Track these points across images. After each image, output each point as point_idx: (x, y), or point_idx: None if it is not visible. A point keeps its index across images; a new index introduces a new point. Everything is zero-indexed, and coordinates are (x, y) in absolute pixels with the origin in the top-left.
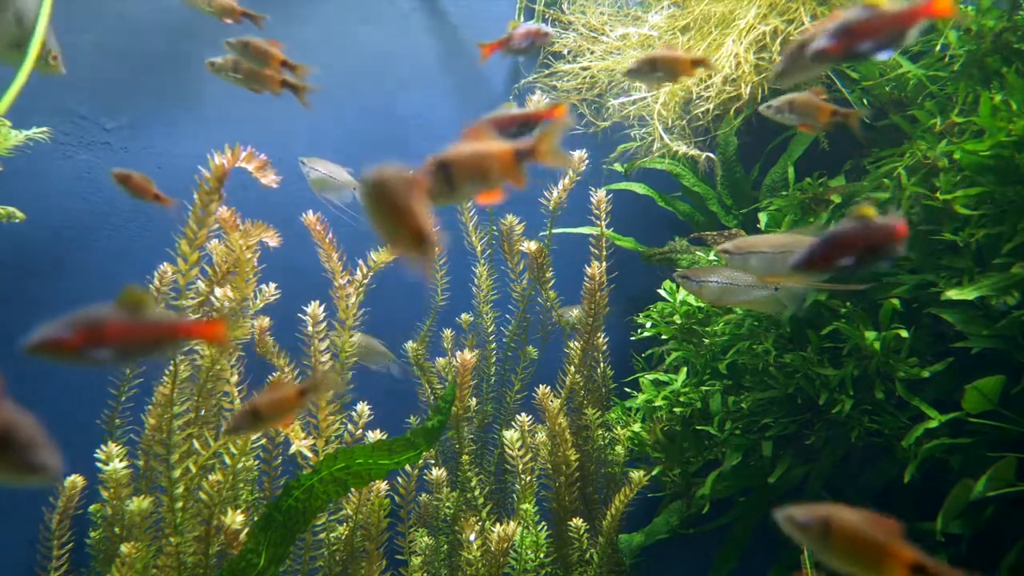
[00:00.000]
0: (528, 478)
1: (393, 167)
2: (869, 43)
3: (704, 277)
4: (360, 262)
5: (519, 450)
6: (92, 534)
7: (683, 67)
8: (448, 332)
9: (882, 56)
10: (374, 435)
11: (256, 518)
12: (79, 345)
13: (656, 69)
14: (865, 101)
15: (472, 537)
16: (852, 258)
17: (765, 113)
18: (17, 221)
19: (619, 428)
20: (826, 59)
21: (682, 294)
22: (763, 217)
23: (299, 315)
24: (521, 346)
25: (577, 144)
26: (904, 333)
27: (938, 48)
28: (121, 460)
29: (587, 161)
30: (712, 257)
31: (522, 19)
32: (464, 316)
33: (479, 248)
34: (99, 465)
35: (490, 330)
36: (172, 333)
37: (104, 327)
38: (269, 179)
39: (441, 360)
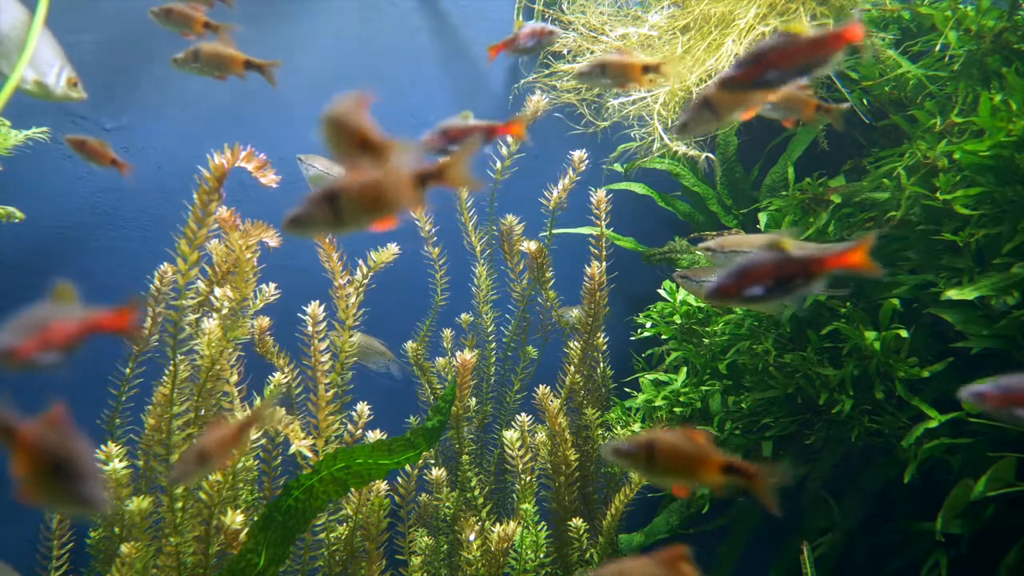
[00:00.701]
0: (528, 478)
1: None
2: (778, 73)
3: (704, 277)
4: (360, 262)
5: (519, 450)
6: (92, 534)
7: (633, 73)
8: (448, 332)
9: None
10: (374, 435)
11: (256, 518)
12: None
13: (605, 74)
14: (865, 101)
15: (472, 537)
16: (763, 289)
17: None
18: (17, 221)
19: (619, 428)
20: (739, 87)
21: (682, 294)
22: (763, 217)
23: (299, 315)
24: (521, 346)
25: (577, 144)
26: (904, 333)
27: (938, 48)
28: (121, 460)
29: (587, 161)
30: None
31: (521, 18)
32: (464, 316)
33: (479, 248)
34: (99, 465)
35: (490, 330)
36: (79, 330)
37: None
38: (268, 179)
39: (441, 360)
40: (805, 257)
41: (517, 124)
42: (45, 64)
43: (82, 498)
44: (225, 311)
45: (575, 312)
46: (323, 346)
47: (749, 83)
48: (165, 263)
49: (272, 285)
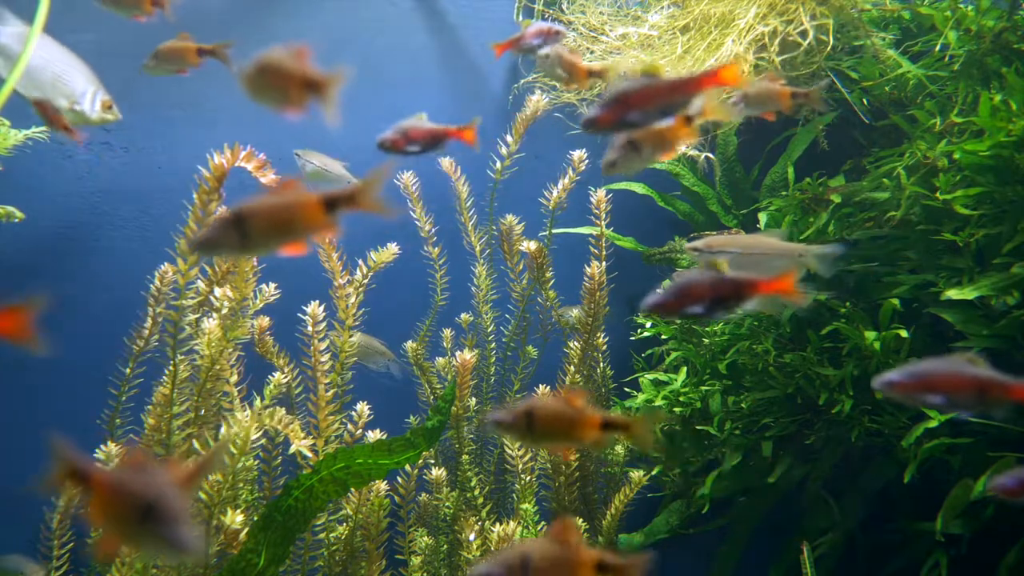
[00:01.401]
0: (528, 478)
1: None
2: (642, 113)
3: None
4: (360, 262)
5: (519, 450)
6: (92, 534)
7: (577, 73)
8: (448, 332)
9: (666, 121)
10: (374, 435)
11: (256, 518)
12: None
13: (559, 64)
14: (865, 101)
15: (472, 537)
16: (700, 308)
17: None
18: (17, 221)
19: None
20: (599, 129)
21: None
22: (763, 217)
23: (299, 315)
24: (521, 346)
25: (577, 144)
26: (904, 333)
27: (938, 48)
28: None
29: (587, 161)
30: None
31: (521, 18)
32: (464, 316)
33: (479, 248)
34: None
35: (490, 330)
36: None
37: None
38: (268, 178)
39: (441, 360)
40: (740, 280)
41: (470, 130)
42: (78, 91)
43: (173, 542)
44: (225, 311)
45: (575, 312)
46: (323, 346)
47: (611, 125)
48: (165, 263)
49: (272, 285)
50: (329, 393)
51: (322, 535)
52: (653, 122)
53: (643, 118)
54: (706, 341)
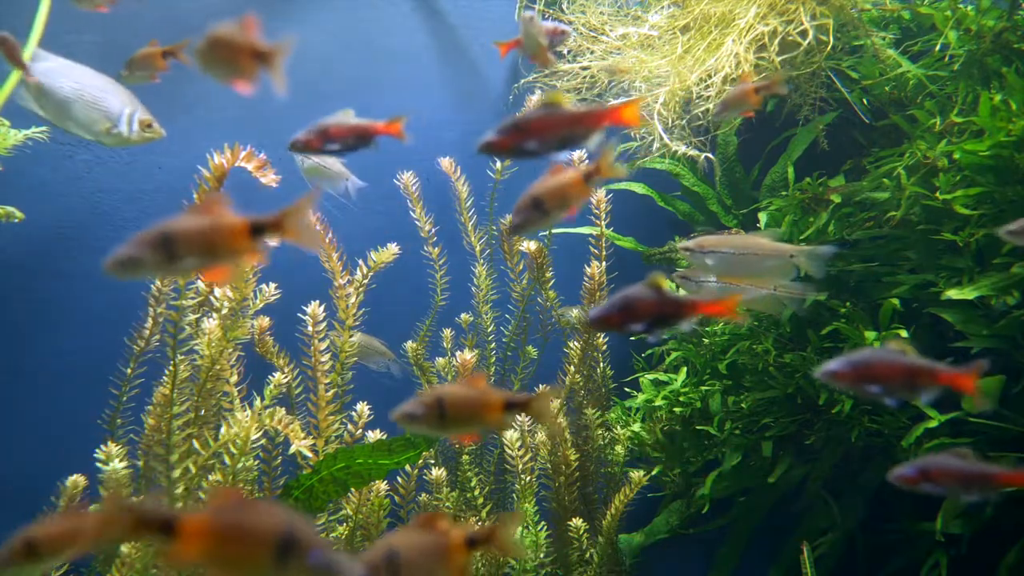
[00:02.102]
0: (528, 478)
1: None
2: (540, 143)
3: (704, 277)
4: (360, 262)
5: (519, 450)
6: None
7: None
8: (448, 332)
9: (563, 156)
10: (374, 435)
11: None
12: None
13: (539, 34)
14: (865, 101)
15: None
16: (642, 325)
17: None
18: (17, 221)
19: (619, 428)
20: (495, 153)
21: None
22: (763, 217)
23: (299, 315)
24: (521, 346)
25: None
26: (904, 333)
27: (938, 48)
28: (121, 460)
29: (587, 161)
30: None
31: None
32: (464, 316)
33: (478, 248)
34: (99, 465)
35: (490, 330)
36: None
37: None
38: (268, 178)
39: (441, 360)
40: (682, 301)
41: (396, 124)
42: (114, 114)
43: (329, 570)
44: (225, 311)
45: (575, 312)
46: (323, 346)
47: (507, 151)
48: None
49: (272, 285)
50: (329, 393)
51: (322, 535)
52: (550, 151)
53: (540, 147)
54: (706, 341)
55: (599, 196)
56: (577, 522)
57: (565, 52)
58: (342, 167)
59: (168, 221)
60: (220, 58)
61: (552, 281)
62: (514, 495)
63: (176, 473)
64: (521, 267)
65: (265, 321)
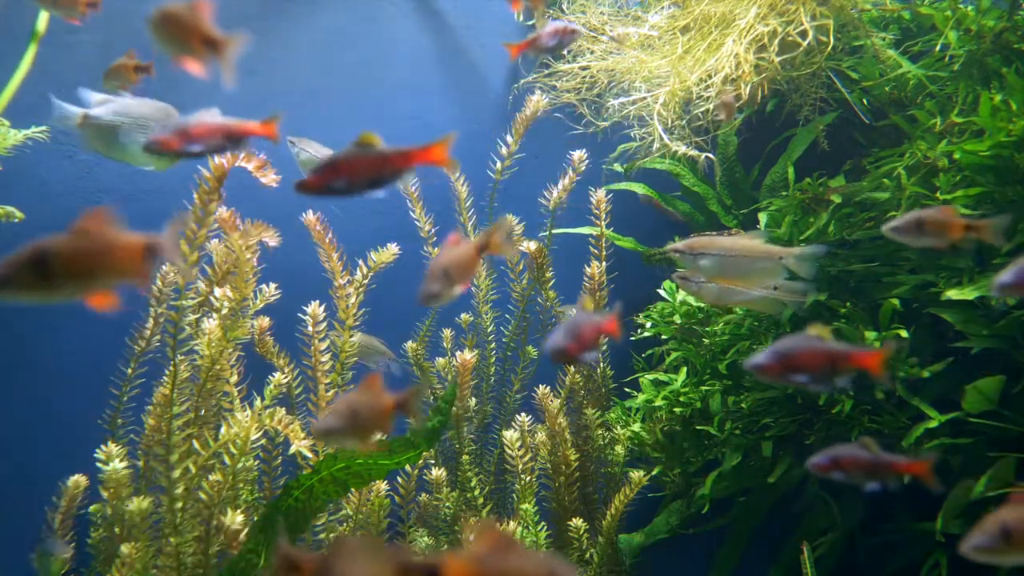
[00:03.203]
0: (528, 478)
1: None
2: (349, 182)
3: (703, 279)
4: (360, 262)
5: (519, 450)
6: (92, 534)
7: None
8: (448, 332)
9: (377, 194)
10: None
11: (256, 518)
12: None
13: None
14: (865, 101)
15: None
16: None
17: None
18: (17, 221)
19: (619, 428)
20: (309, 192)
21: (682, 294)
22: (763, 217)
23: (299, 315)
24: (521, 346)
25: (577, 144)
26: (904, 333)
27: (938, 48)
28: (121, 460)
29: (587, 161)
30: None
31: (522, 18)
32: (464, 316)
33: None
34: (99, 465)
35: (490, 330)
36: None
37: None
38: (268, 178)
39: (441, 360)
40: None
41: (271, 124)
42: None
43: None
44: (225, 311)
45: (575, 311)
46: (323, 346)
47: (320, 189)
48: (167, 264)
49: (272, 285)
50: (329, 393)
51: (322, 535)
52: (363, 191)
53: (350, 187)
54: (706, 341)
55: (599, 196)
56: (577, 522)
57: (565, 52)
58: None
59: (51, 238)
60: (170, 35)
61: (552, 281)
62: (514, 495)
63: (176, 473)
64: (521, 267)
65: (265, 321)
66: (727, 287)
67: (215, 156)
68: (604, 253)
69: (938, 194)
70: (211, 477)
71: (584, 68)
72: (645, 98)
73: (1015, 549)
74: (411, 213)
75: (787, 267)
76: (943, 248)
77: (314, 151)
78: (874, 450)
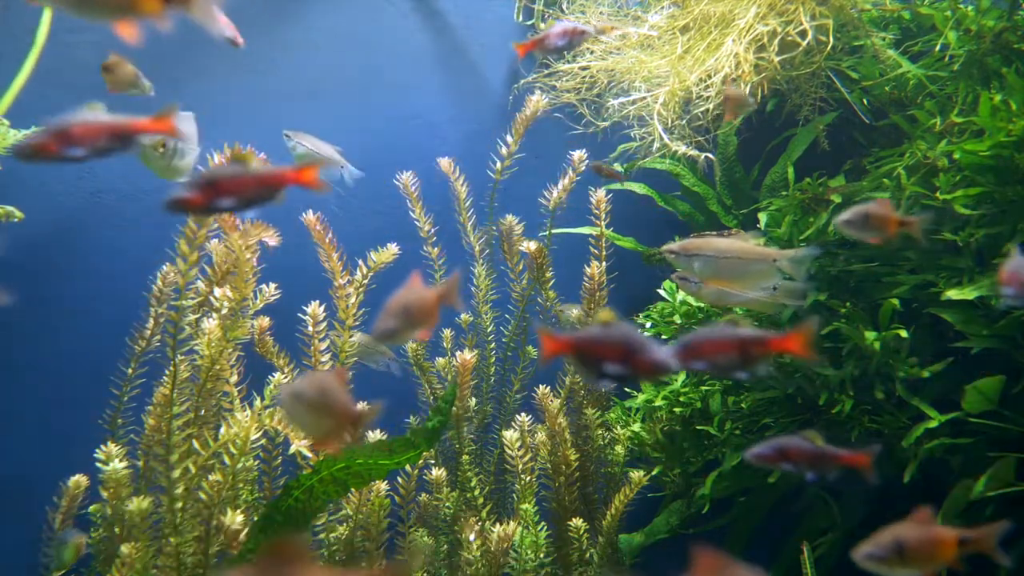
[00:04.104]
0: (528, 478)
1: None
2: (231, 199)
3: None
4: (360, 262)
5: (519, 450)
6: (92, 534)
7: None
8: (448, 332)
9: (247, 216)
10: (374, 435)
11: (256, 518)
12: None
13: None
14: (865, 101)
15: (472, 537)
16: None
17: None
18: (16, 221)
19: (619, 428)
20: (183, 210)
21: (682, 294)
22: (763, 217)
23: (299, 315)
24: (521, 346)
25: (577, 144)
26: (904, 333)
27: (938, 48)
28: (121, 460)
29: (587, 161)
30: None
31: (521, 18)
32: (463, 316)
33: (477, 248)
34: (99, 465)
35: (489, 330)
36: None
37: None
38: None
39: (441, 360)
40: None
41: (166, 119)
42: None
43: None
44: (225, 311)
45: (575, 311)
46: (323, 346)
47: (198, 207)
48: (166, 264)
49: (272, 285)
50: None
51: (322, 535)
52: (237, 209)
53: (232, 203)
54: None
55: (599, 196)
56: (577, 522)
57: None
58: (334, 153)
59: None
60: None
61: (552, 281)
62: (514, 495)
63: (176, 473)
64: (521, 267)
65: (265, 321)
66: (727, 287)
67: (100, 157)
68: (604, 253)
69: (938, 194)
70: (211, 477)
71: (584, 68)
72: (645, 98)
73: (906, 564)
74: (411, 213)
75: (781, 269)
76: (880, 242)
77: (311, 145)
78: (819, 443)
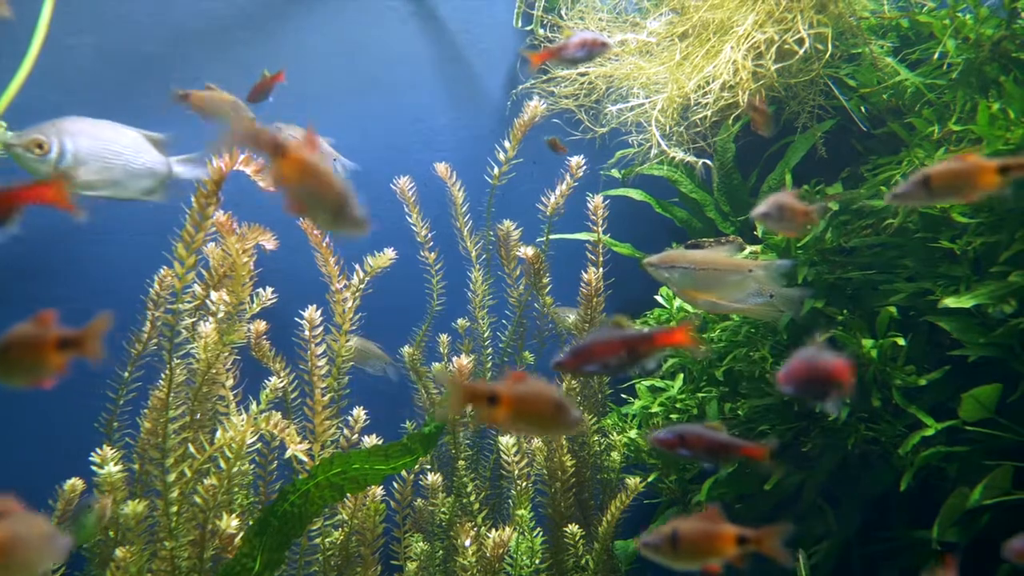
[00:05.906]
0: (524, 484)
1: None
2: None
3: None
4: (357, 267)
5: (515, 456)
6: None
7: None
8: (444, 337)
9: None
10: (370, 440)
11: (251, 523)
12: None
13: None
14: (863, 108)
15: (468, 542)
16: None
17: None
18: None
19: (615, 434)
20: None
21: (679, 301)
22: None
23: (296, 319)
24: (517, 351)
25: (575, 150)
26: (901, 341)
27: (936, 56)
28: (116, 464)
29: (584, 167)
30: None
31: (520, 23)
32: (460, 321)
33: (474, 253)
34: (95, 468)
35: (486, 335)
36: None
37: None
38: (267, 182)
39: (437, 365)
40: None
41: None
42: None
43: None
44: (221, 315)
45: (572, 317)
46: (320, 350)
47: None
48: (164, 267)
49: (269, 289)
50: (326, 397)
51: (318, 540)
52: None
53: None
54: (703, 348)
55: (597, 202)
56: (573, 528)
57: None
58: (329, 147)
59: None
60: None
61: (549, 287)
62: (510, 501)
63: (171, 477)
64: (518, 272)
65: (261, 325)
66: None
67: None
68: (601, 259)
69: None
70: (207, 481)
71: (582, 74)
72: (643, 104)
73: (680, 556)
74: (408, 218)
75: (756, 280)
76: (793, 234)
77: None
78: (721, 432)
